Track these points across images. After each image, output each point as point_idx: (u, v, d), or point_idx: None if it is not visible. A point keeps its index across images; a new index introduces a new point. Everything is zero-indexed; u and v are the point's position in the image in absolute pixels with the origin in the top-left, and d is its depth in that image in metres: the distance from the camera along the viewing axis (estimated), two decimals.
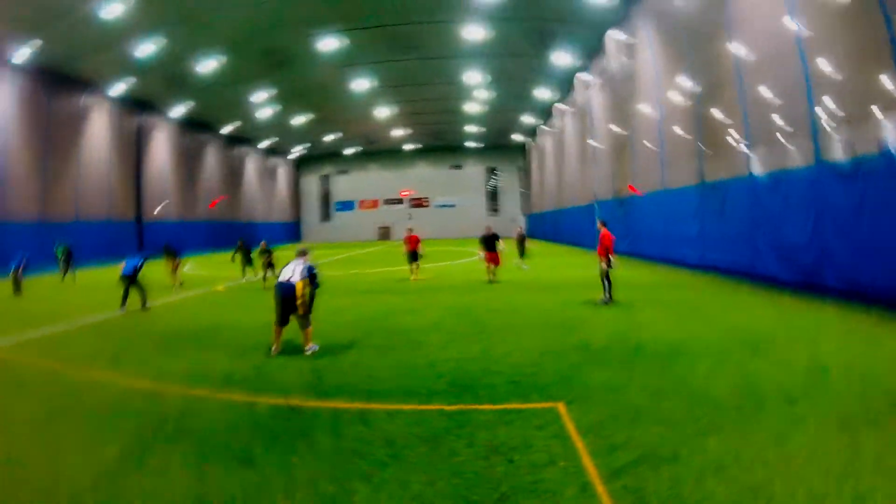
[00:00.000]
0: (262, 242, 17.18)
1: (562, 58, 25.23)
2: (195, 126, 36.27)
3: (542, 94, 31.78)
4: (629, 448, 4.13)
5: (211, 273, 21.57)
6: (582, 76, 27.31)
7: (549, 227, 39.68)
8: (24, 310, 12.19)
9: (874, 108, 8.88)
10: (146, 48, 22.69)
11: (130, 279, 11.67)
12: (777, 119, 11.66)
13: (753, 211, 12.41)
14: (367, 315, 10.70)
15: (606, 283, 11.00)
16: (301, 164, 58.07)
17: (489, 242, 15.76)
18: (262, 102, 32.15)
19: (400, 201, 57.15)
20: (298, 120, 37.20)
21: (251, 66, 26.11)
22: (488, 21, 22.78)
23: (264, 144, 47.08)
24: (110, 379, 6.52)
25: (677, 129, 16.80)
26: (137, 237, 29.75)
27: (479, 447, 4.30)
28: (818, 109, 10.15)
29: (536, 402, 5.37)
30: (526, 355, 7.21)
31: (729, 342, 7.37)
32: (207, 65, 24.82)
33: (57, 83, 24.02)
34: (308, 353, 7.54)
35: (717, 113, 14.24)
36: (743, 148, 12.93)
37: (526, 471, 3.85)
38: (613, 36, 22.07)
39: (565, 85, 30.33)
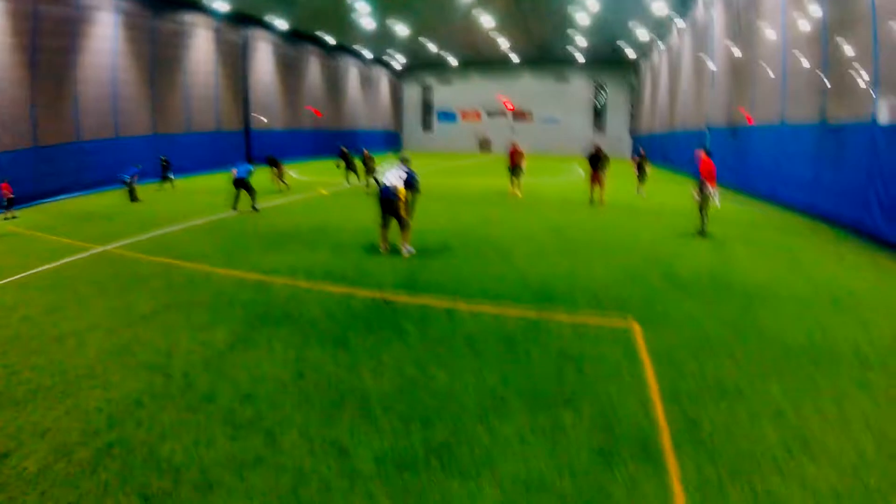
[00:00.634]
0: (364, 150, 17.80)
1: None
2: (298, 37, 36.83)
3: (659, 8, 29.04)
4: (695, 377, 4.28)
5: (316, 178, 22.84)
6: None
7: (656, 149, 37.45)
8: (142, 214, 13.36)
9: None
10: None
11: (242, 183, 12.75)
12: None
13: (871, 162, 11.11)
14: (463, 224, 11.13)
15: (702, 214, 10.54)
16: (403, 74, 57.77)
17: (595, 162, 14.90)
18: (364, 12, 31.92)
19: (503, 113, 55.66)
20: (401, 29, 36.70)
21: None
22: None
23: (367, 55, 47.17)
24: (222, 272, 7.31)
25: (801, 61, 15.00)
26: (245, 146, 31.61)
27: (552, 354, 4.64)
28: None
29: (613, 320, 5.56)
30: (611, 276, 7.34)
31: (817, 293, 6.99)
32: None
33: (160, 4, 24.96)
34: (405, 254, 8.12)
35: (845, 48, 12.53)
36: (869, 90, 11.40)
37: (592, 380, 4.15)
38: None
39: (686, 0, 27.47)
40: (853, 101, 12.19)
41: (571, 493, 2.81)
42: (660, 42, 36.95)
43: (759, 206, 16.22)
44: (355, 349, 4.67)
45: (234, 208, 12.84)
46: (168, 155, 21.29)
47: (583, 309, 5.89)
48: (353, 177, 19.42)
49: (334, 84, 43.28)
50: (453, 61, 52.97)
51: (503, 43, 42.83)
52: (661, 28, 34.37)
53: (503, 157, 17.45)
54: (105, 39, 22.14)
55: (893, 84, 10.74)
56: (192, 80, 27.64)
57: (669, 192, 19.23)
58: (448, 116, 57.69)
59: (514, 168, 16.50)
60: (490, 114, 55.96)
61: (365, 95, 49.28)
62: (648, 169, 19.14)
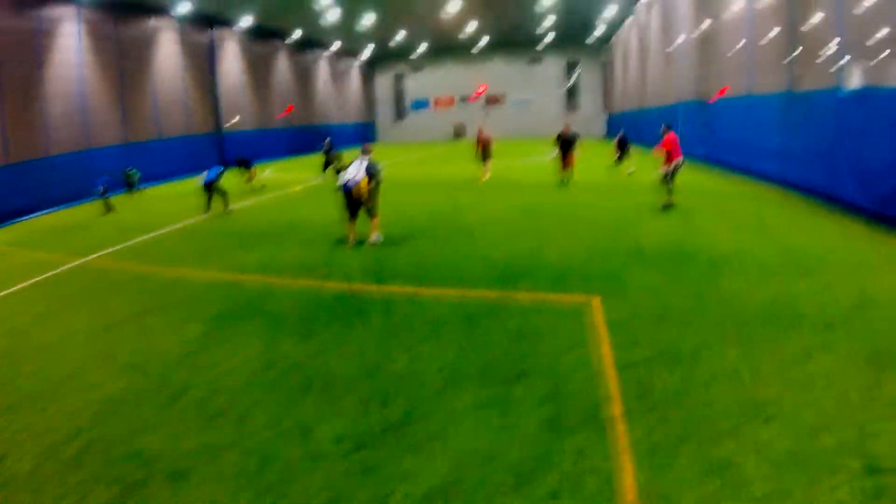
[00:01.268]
0: (326, 140, 17.66)
1: None
2: (265, 34, 36.37)
3: None
4: (650, 345, 4.43)
5: (291, 176, 22.76)
6: None
7: (628, 127, 37.88)
8: (117, 224, 13.20)
9: None
10: None
11: (212, 186, 12.70)
12: (877, 31, 10.36)
13: (837, 128, 11.35)
14: (433, 210, 11.30)
15: (667, 185, 10.83)
16: (372, 65, 57.27)
17: (566, 144, 14.60)
18: (329, 4, 31.61)
19: (476, 98, 55.57)
20: (368, 18, 36.39)
21: None
22: None
23: (334, 47, 46.70)
24: (195, 274, 7.48)
25: (767, 31, 15.25)
26: (218, 149, 31.27)
27: (510, 330, 4.82)
28: None
29: (574, 295, 5.74)
30: (576, 253, 7.54)
31: (782, 260, 7.13)
32: None
33: (123, 11, 24.40)
34: (373, 241, 8.27)
35: (811, 16, 12.78)
36: (834, 58, 11.64)
37: (547, 354, 4.31)
38: None
39: None
40: (819, 69, 12.44)
41: (519, 462, 2.96)
42: (630, 18, 37.13)
43: (729, 177, 16.53)
44: (321, 338, 4.83)
45: (206, 211, 12.80)
46: (139, 164, 20.97)
47: (545, 286, 6.06)
48: (327, 171, 19.33)
49: (304, 79, 42.85)
50: (423, 48, 52.66)
51: (473, 27, 42.69)
52: (629, 3, 34.52)
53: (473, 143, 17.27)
54: (69, 51, 21.68)
55: (860, 49, 10.99)
56: (161, 86, 27.18)
57: (641, 168, 19.51)
58: (421, 104, 57.30)
59: (483, 152, 16.54)
60: (464, 99, 55.82)
61: (336, 88, 48.86)
62: (630, 149, 18.96)
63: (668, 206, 10.71)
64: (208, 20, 30.38)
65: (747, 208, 11.04)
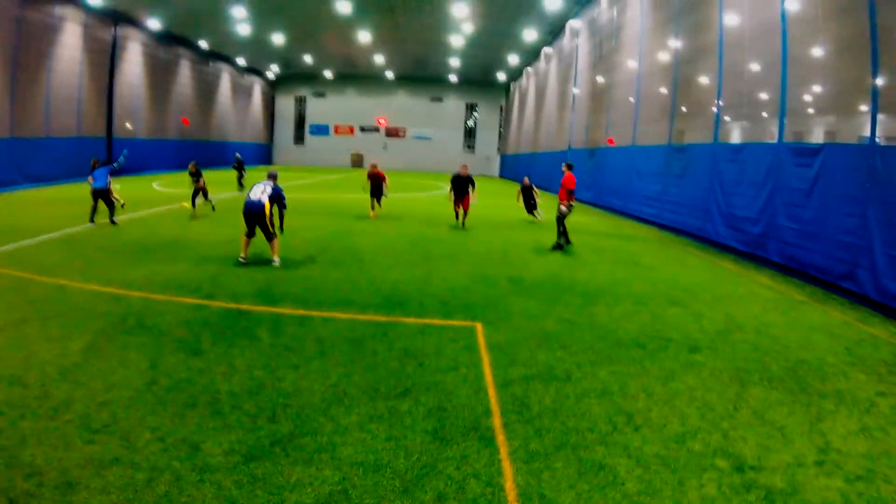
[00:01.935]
0: (192, 163, 15.18)
1: (554, 2, 24.78)
2: (171, 39, 34.65)
3: (530, 35, 31.26)
4: (528, 365, 4.81)
5: (180, 190, 21.58)
6: (573, 23, 26.97)
7: (521, 169, 39.97)
8: None
9: (851, 98, 9.20)
10: None
11: (101, 193, 11.78)
12: (750, 93, 12.13)
13: (712, 178, 12.95)
14: (326, 235, 11.38)
15: (561, 227, 10.92)
16: (277, 84, 56.15)
17: (461, 185, 13.52)
18: (241, 18, 30.89)
19: (376, 129, 56.01)
20: (277, 38, 35.90)
21: None
22: None
23: (240, 62, 45.44)
24: (78, 286, 6.94)
25: (654, 89, 17.10)
26: (107, 154, 28.99)
27: (396, 351, 5.01)
28: (793, 90, 10.42)
29: (458, 320, 6.07)
30: (461, 282, 7.93)
31: (655, 291, 7.89)
32: None
33: None
34: (275, 264, 8.23)
35: (694, 79, 14.61)
36: (712, 116, 13.38)
37: (431, 373, 4.55)
38: None
39: (554, 29, 29.90)
40: (699, 125, 14.14)
41: (405, 470, 3.11)
42: (529, 68, 39.63)
43: (612, 219, 17.95)
44: (208, 355, 4.71)
45: (92, 220, 11.82)
46: (24, 162, 18.77)
47: (431, 312, 6.35)
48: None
49: (206, 91, 41.11)
50: (329, 74, 52.61)
51: (379, 59, 43.43)
52: (530, 54, 36.92)
53: (364, 180, 15.27)
54: None
55: (735, 109, 12.63)
56: (56, 79, 24.75)
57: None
58: (321, 130, 56.92)
59: (375, 189, 14.84)
60: (364, 129, 56.19)
61: (237, 105, 47.29)
62: (538, 198, 16.58)
63: (559, 247, 11.00)
64: (115, 16, 28.42)
65: (626, 247, 12.12)
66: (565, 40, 28.83)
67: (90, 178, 11.88)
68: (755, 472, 3.26)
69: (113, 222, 11.93)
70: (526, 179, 16.50)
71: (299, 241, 10.46)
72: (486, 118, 55.22)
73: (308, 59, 44.75)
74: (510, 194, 24.82)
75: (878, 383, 4.82)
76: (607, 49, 21.88)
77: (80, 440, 3.32)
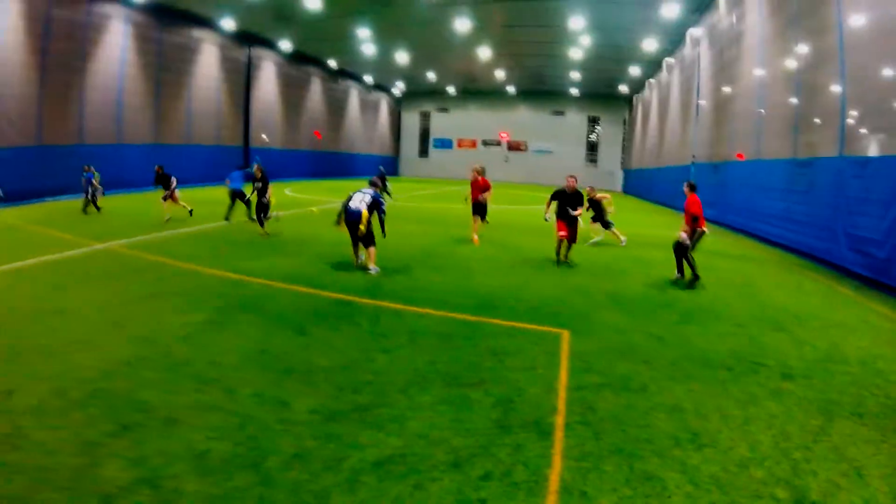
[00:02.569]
0: (256, 165, 13.56)
1: (671, 10, 23.99)
2: (301, 59, 37.99)
3: (651, 45, 30.24)
4: (604, 374, 4.85)
5: (308, 197, 23.66)
6: (692, 31, 25.85)
7: (645, 184, 38.58)
8: (132, 218, 14.13)
9: None
10: None
11: (237, 194, 13.39)
12: (882, 101, 10.93)
13: (837, 196, 11.86)
14: (434, 243, 11.96)
15: (685, 259, 9.08)
16: (402, 100, 59.14)
17: (569, 204, 9.87)
18: (366, 38, 33.14)
19: (498, 143, 56.86)
20: (401, 57, 37.96)
21: (356, 1, 26.97)
22: None
23: (367, 79, 48.49)
24: (204, 271, 8.19)
25: (777, 99, 15.95)
26: (244, 162, 32.48)
27: (480, 348, 5.32)
28: None
29: (545, 326, 6.23)
30: (556, 292, 8.01)
31: (758, 315, 7.37)
32: (313, 0, 25.93)
33: (169, 18, 25.93)
34: (371, 272, 8.49)
35: (819, 87, 13.44)
36: (838, 127, 12.25)
37: (508, 369, 4.80)
38: None
39: (675, 38, 28.74)
40: (826, 135, 12.96)
41: (461, 448, 3.42)
42: (652, 79, 38.27)
43: (733, 238, 16.92)
44: (311, 335, 5.42)
45: (227, 219, 13.42)
46: (166, 166, 21.76)
47: (520, 317, 6.57)
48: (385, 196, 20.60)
49: (335, 107, 44.43)
50: (452, 90, 54.36)
51: (500, 74, 44.17)
52: (651, 65, 35.68)
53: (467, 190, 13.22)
54: (114, 48, 23.06)
55: (869, 117, 11.46)
56: (196, 94, 28.51)
57: (650, 223, 20.09)
58: (445, 144, 58.82)
59: (478, 206, 12.39)
60: (486, 143, 57.18)
61: (364, 120, 50.45)
62: (610, 206, 13.53)
63: (691, 285, 9.00)
64: (249, 38, 31.96)
65: (740, 267, 11.40)
66: (686, 49, 27.60)
67: (227, 181, 13.61)
68: None
69: (251, 219, 13.46)
70: (590, 189, 13.00)
71: (409, 246, 11.16)
72: (608, 132, 53.83)
73: (432, 75, 46.65)
74: (630, 209, 24.24)
75: None
76: (728, 57, 20.69)
77: (189, 389, 4.08)
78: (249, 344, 5.07)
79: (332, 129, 43.77)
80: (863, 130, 11.84)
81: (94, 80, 22.23)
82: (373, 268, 8.54)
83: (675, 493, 3.11)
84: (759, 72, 17.37)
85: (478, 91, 53.73)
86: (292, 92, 37.82)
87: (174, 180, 14.25)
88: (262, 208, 11.83)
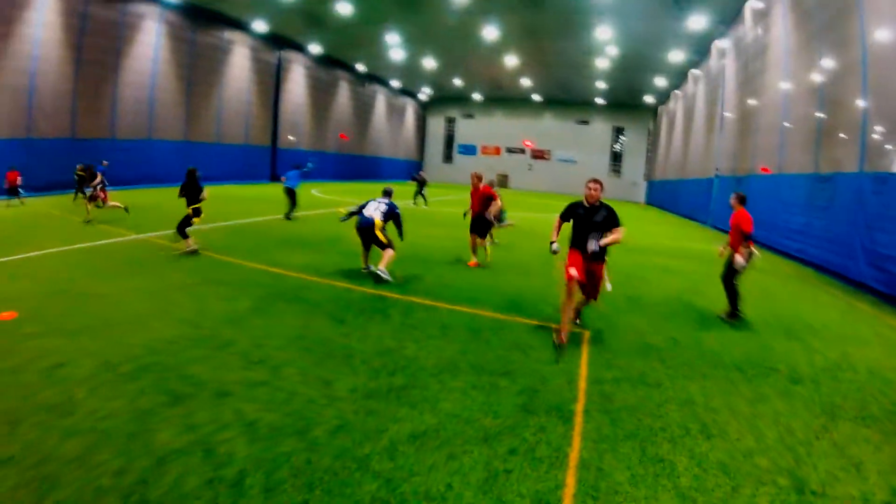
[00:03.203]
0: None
1: (698, 22, 24.14)
2: (330, 62, 38.79)
3: (677, 56, 30.36)
4: (622, 370, 5.16)
5: (338, 198, 24.26)
6: (718, 43, 25.93)
7: (668, 196, 38.50)
8: (169, 213, 14.74)
9: None
10: None
11: (291, 192, 14.38)
12: None
13: (856, 211, 11.93)
14: (461, 245, 12.21)
15: (732, 288, 7.52)
16: (428, 106, 59.84)
17: (585, 225, 5.94)
18: (395, 44, 33.74)
19: (521, 150, 57.16)
20: (428, 62, 38.53)
21: (385, 7, 27.56)
22: None
23: (394, 84, 49.20)
24: (244, 263, 8.69)
25: (800, 113, 16.02)
26: (271, 162, 33.33)
27: (507, 342, 5.68)
28: None
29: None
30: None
31: (773, 324, 7.56)
32: (344, 6, 26.58)
33: (202, 19, 26.80)
34: (379, 272, 7.93)
35: (842, 101, 13.50)
36: (857, 141, 12.32)
37: (533, 362, 5.13)
38: (751, 5, 20.85)
39: (701, 50, 28.82)
40: (849, 150, 13.01)
41: (490, 427, 3.77)
42: (677, 90, 38.25)
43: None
44: (349, 324, 5.84)
45: (287, 216, 14.35)
46: (196, 163, 22.45)
47: (546, 316, 6.88)
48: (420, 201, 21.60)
49: (362, 110, 45.19)
50: (477, 97, 54.84)
51: (526, 82, 44.50)
52: (677, 75, 35.71)
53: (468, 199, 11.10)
54: (148, 46, 23.89)
55: (887, 133, 11.50)
56: (226, 94, 29.33)
57: (673, 234, 20.19)
58: (469, 150, 59.32)
59: (479, 220, 10.01)
60: (510, 150, 57.51)
61: (390, 124, 51.17)
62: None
63: (732, 316, 7.58)
64: (279, 41, 32.78)
65: (759, 280, 11.43)
66: (712, 61, 27.65)
67: (283, 178, 14.59)
68: (815, 496, 3.29)
69: (288, 217, 14.15)
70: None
71: (437, 248, 11.59)
72: (633, 142, 53.69)
73: (458, 82, 47.19)
74: (653, 221, 24.31)
75: None
76: (753, 70, 20.75)
77: (237, 366, 4.49)
78: (291, 330, 5.49)
79: (358, 133, 44.53)
80: (888, 147, 11.90)
81: (127, 77, 23.13)
82: (382, 270, 7.97)
83: (683, 475, 3.41)
84: (783, 85, 17.45)
85: (503, 98, 54.11)
86: (320, 94, 38.63)
87: (99, 176, 13.39)
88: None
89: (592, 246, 5.61)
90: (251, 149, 31.61)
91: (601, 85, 43.11)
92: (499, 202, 10.28)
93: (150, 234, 10.94)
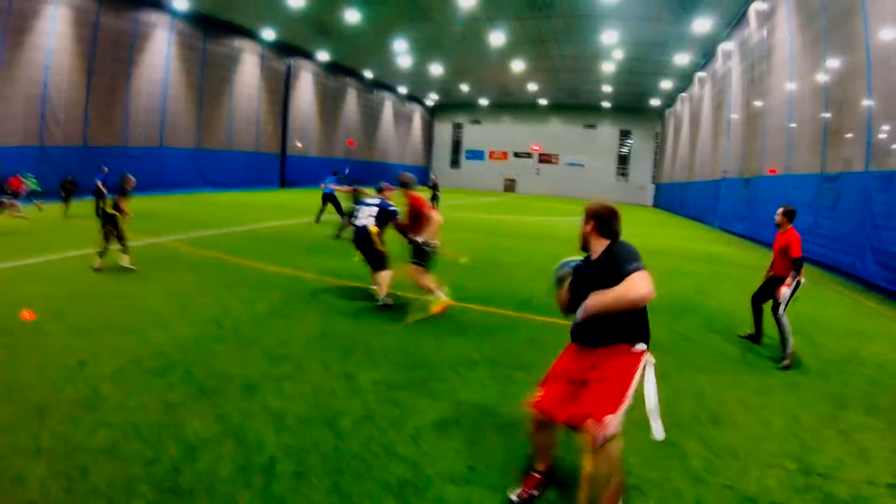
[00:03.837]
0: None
1: (703, 25, 24.29)
2: (338, 69, 39.18)
3: (682, 59, 30.48)
4: None
5: (346, 203, 24.49)
6: (724, 45, 26.06)
7: (676, 199, 38.53)
8: (182, 218, 15.32)
9: None
10: None
11: (329, 198, 14.87)
12: None
13: (863, 210, 12.03)
14: (475, 248, 12.50)
15: (783, 325, 5.85)
16: (435, 112, 60.16)
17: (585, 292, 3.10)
18: (402, 51, 34.06)
19: (529, 155, 57.37)
20: (436, 69, 38.84)
21: (393, 15, 27.87)
22: None
23: (402, 90, 49.60)
24: (261, 266, 8.89)
25: (806, 114, 16.12)
26: (280, 169, 33.67)
27: (520, 338, 5.89)
28: None
29: None
30: None
31: None
32: (352, 14, 26.91)
33: (212, 28, 27.17)
34: (378, 302, 6.80)
35: (848, 102, 13.61)
36: (862, 140, 12.42)
37: (547, 355, 5.18)
38: (756, 7, 20.99)
39: (707, 53, 28.94)
40: (853, 152, 13.13)
41: (508, 415, 3.94)
42: (683, 93, 38.34)
43: (763, 252, 17.00)
44: (367, 322, 6.06)
45: (318, 220, 14.83)
46: (208, 171, 22.91)
47: (557, 314, 6.99)
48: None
49: (370, 116, 45.59)
50: (484, 102, 55.11)
51: (533, 87, 44.72)
52: (683, 78, 35.82)
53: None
54: (159, 55, 24.26)
55: (892, 132, 11.60)
56: (237, 102, 29.72)
57: (682, 236, 20.27)
58: (476, 155, 59.58)
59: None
60: (517, 155, 57.72)
61: (398, 130, 51.54)
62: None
63: (785, 363, 5.65)
64: (288, 49, 33.20)
65: (762, 279, 11.62)
66: (718, 64, 27.76)
67: (322, 185, 15.05)
68: (821, 478, 3.40)
69: (337, 237, 14.29)
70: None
71: (449, 252, 11.79)
72: (640, 146, 53.70)
73: (465, 87, 47.48)
74: (661, 223, 24.35)
75: None
76: (759, 72, 20.85)
77: (261, 362, 4.67)
78: (312, 328, 5.70)
79: (366, 139, 44.91)
80: (894, 146, 11.99)
81: (139, 85, 23.52)
82: (383, 298, 6.78)
83: (692, 457, 3.57)
84: (789, 86, 17.55)
85: (510, 103, 54.34)
86: (329, 101, 39.03)
87: (99, 184, 13.71)
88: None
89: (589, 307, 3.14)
90: (261, 156, 31.98)
91: (607, 89, 43.25)
92: (433, 220, 6.83)
93: (164, 237, 11.22)
